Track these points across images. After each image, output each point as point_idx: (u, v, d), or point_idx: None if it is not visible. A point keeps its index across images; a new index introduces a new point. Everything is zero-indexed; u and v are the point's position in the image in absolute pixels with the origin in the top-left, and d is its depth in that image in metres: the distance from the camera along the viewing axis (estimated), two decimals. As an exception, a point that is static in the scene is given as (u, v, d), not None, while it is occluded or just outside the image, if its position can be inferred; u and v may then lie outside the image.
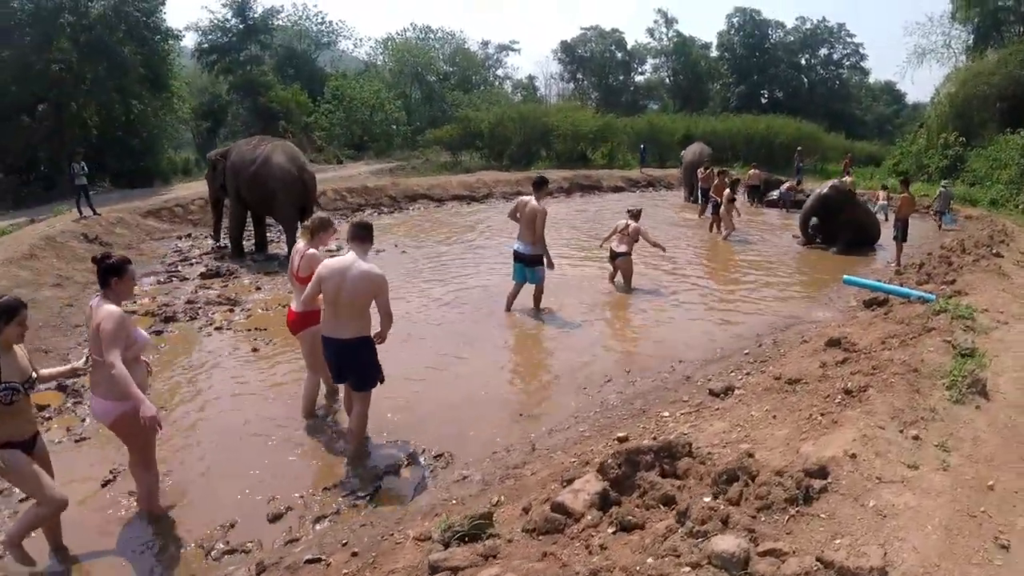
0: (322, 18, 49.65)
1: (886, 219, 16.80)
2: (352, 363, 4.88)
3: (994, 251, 11.79)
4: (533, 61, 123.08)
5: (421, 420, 5.69)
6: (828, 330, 7.48)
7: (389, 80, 46.24)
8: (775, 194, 21.72)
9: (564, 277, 10.50)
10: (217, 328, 8.47)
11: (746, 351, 7.41)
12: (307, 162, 13.63)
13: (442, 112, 42.75)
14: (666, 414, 5.58)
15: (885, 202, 18.57)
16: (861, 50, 56.74)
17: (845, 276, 10.05)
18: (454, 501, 4.39)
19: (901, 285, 9.37)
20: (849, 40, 56.53)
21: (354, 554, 3.75)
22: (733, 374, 6.57)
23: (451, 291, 10.22)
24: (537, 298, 8.85)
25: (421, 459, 5.11)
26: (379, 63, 51.01)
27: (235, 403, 6.14)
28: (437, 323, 8.64)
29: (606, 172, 28.30)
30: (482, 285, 10.55)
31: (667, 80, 57.96)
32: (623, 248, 10.06)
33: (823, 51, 56.91)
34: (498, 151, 31.73)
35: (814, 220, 15.21)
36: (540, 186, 8.37)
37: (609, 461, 3.82)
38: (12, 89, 21.42)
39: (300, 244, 5.65)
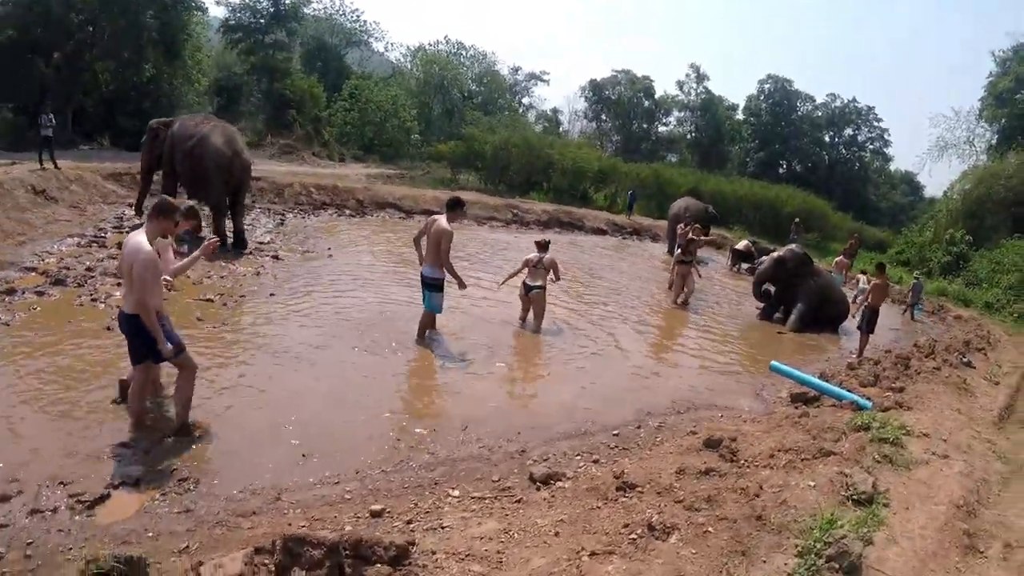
0: (357, 16, 49.65)
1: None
2: (127, 335, 4.84)
3: (965, 359, 10.42)
4: (562, 95, 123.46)
5: (202, 439, 5.04)
6: (721, 424, 6.11)
7: (414, 89, 46.18)
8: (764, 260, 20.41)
9: (477, 310, 9.90)
10: (93, 300, 8.16)
11: (616, 431, 6.10)
12: (245, 148, 13.27)
13: (460, 129, 42.18)
14: (454, 494, 4.47)
15: (866, 286, 17.26)
16: (886, 136, 55.89)
17: (772, 362, 8.72)
18: (149, 534, 3.81)
19: (840, 384, 7.99)
20: (876, 124, 55.62)
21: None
22: (578, 458, 5.30)
23: (342, 307, 9.32)
24: (424, 324, 8.17)
25: (165, 478, 4.46)
26: (407, 70, 50.90)
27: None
28: (299, 341, 7.59)
29: (591, 212, 27.00)
30: (372, 303, 9.56)
31: (689, 135, 57.03)
32: (539, 282, 9.33)
33: (848, 131, 55.92)
34: (497, 175, 31.14)
35: (767, 287, 13.89)
36: (453, 207, 7.86)
37: (268, 545, 3.03)
38: (30, 32, 21.41)
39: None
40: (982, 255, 24.02)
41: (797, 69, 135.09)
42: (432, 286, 7.81)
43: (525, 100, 62.66)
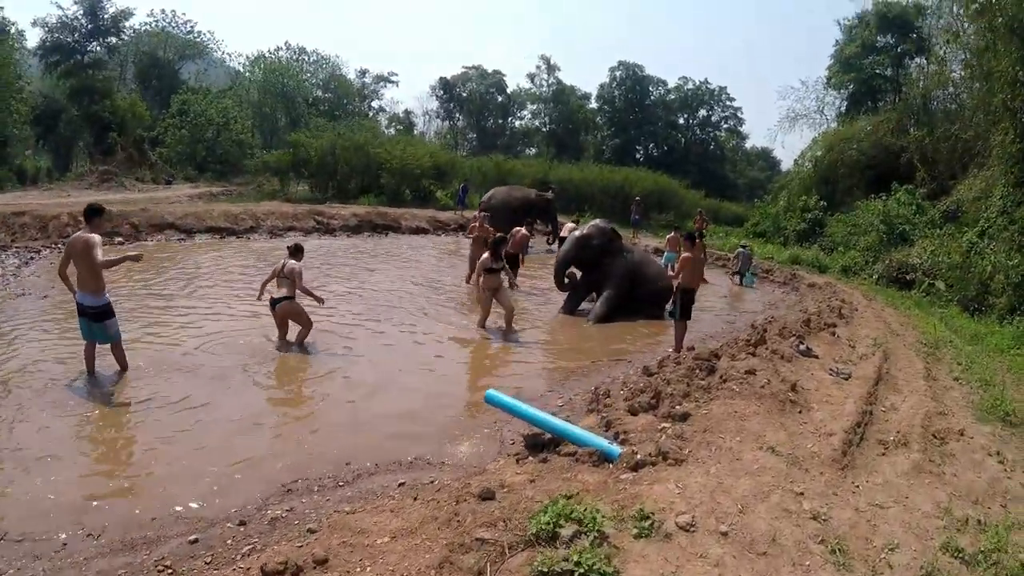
0: (190, 27, 46.80)
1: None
2: None
3: (803, 346, 7.29)
4: (414, 96, 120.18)
5: None
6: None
7: (255, 99, 44.42)
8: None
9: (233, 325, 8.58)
10: None
11: (243, 522, 3.85)
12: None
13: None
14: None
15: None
16: (739, 114, 55.35)
17: (489, 391, 5.27)
18: None
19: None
20: (729, 104, 55.02)
21: None
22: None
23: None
24: (118, 357, 6.64)
25: None
26: (248, 80, 47.99)
27: None
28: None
29: (411, 211, 23.80)
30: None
31: (544, 127, 54.97)
32: (283, 292, 7.95)
33: (702, 112, 55.08)
34: (325, 182, 29.03)
35: (572, 271, 11.24)
36: (91, 216, 6.52)
37: None
38: None
39: None
40: (838, 219, 22.75)
41: (649, 55, 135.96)
42: (100, 315, 6.38)
43: (375, 103, 60.28)
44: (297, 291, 7.88)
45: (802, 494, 3.76)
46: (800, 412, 5.13)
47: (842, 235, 21.25)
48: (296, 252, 8.23)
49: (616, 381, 7.18)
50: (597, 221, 11.71)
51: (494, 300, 9.42)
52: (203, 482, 4.50)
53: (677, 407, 4.99)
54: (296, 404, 6.36)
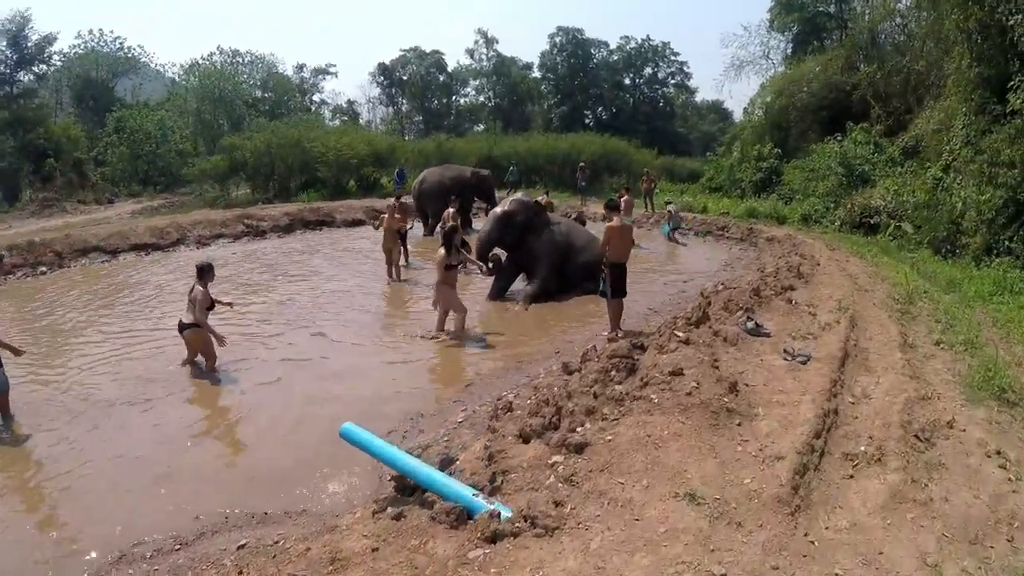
0: (120, 43, 45.51)
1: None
2: None
3: (752, 322, 6.00)
4: (356, 85, 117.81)
5: None
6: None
7: (195, 107, 42.95)
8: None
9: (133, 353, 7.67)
10: None
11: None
12: None
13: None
14: None
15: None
16: (686, 68, 53.69)
17: (344, 425, 4.01)
18: None
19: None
20: (674, 59, 53.32)
21: None
22: None
23: None
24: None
25: None
26: (184, 89, 45.99)
27: None
28: None
29: (346, 204, 22.48)
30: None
31: (489, 102, 53.18)
32: (190, 318, 7.05)
33: (647, 70, 53.32)
34: (264, 182, 28.29)
35: (496, 252, 9.96)
36: None
37: None
38: None
39: None
40: (794, 166, 21.64)
41: (586, 17, 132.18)
42: None
43: (317, 97, 57.87)
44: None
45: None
46: (739, 424, 3.83)
47: (799, 182, 20.12)
48: (203, 273, 7.11)
49: (528, 384, 5.91)
50: (518, 195, 10.41)
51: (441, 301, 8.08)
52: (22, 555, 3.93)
53: (577, 429, 3.73)
54: (171, 443, 5.45)
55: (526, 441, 3.86)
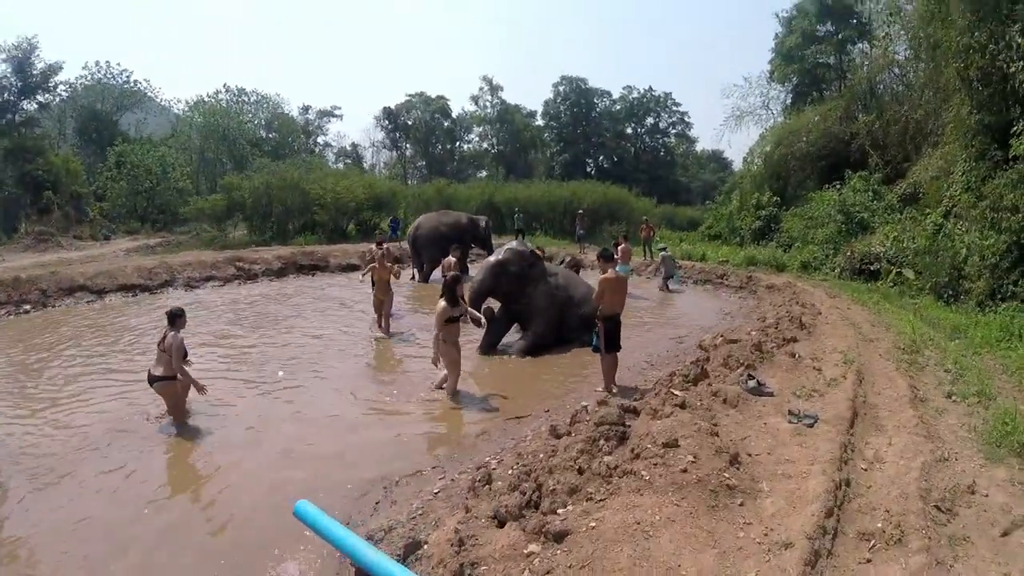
0: (127, 76, 44.60)
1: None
2: None
3: (753, 380, 5.62)
4: (360, 128, 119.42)
5: None
6: None
7: (198, 145, 43.15)
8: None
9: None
10: None
11: None
12: None
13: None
14: None
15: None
16: (687, 118, 54.65)
17: (299, 503, 3.58)
18: None
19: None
20: (675, 109, 54.33)
21: None
22: None
23: None
24: None
25: None
26: (188, 126, 46.01)
27: None
28: None
29: (340, 248, 22.25)
30: None
31: (492, 149, 53.68)
32: (160, 370, 6.61)
33: (649, 120, 54.26)
34: (260, 223, 27.94)
35: (488, 306, 9.68)
36: None
37: None
38: None
39: None
40: (793, 214, 21.56)
41: (591, 67, 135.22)
42: None
43: (321, 139, 58.37)
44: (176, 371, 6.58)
45: None
46: (742, 504, 3.44)
47: (799, 230, 19.99)
48: (174, 319, 6.70)
49: (513, 449, 5.48)
50: (513, 244, 10.06)
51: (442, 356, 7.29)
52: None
53: (559, 511, 3.32)
54: (124, 506, 5.02)
55: (501, 524, 3.46)
